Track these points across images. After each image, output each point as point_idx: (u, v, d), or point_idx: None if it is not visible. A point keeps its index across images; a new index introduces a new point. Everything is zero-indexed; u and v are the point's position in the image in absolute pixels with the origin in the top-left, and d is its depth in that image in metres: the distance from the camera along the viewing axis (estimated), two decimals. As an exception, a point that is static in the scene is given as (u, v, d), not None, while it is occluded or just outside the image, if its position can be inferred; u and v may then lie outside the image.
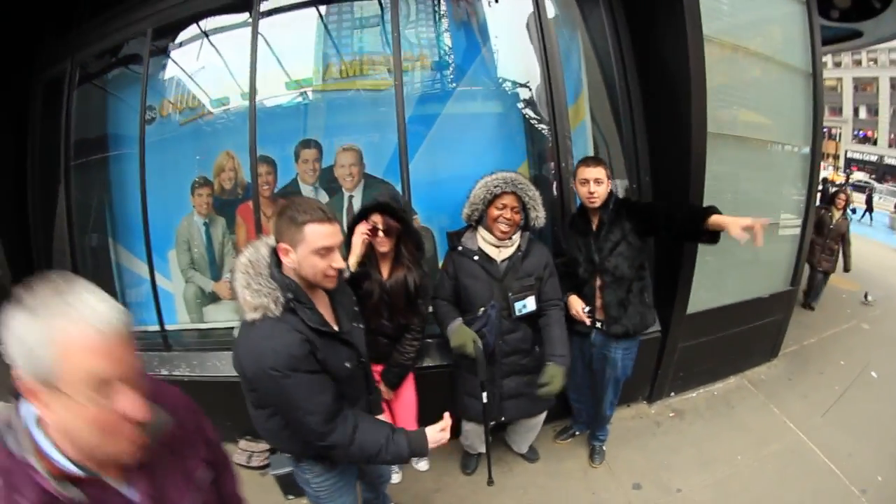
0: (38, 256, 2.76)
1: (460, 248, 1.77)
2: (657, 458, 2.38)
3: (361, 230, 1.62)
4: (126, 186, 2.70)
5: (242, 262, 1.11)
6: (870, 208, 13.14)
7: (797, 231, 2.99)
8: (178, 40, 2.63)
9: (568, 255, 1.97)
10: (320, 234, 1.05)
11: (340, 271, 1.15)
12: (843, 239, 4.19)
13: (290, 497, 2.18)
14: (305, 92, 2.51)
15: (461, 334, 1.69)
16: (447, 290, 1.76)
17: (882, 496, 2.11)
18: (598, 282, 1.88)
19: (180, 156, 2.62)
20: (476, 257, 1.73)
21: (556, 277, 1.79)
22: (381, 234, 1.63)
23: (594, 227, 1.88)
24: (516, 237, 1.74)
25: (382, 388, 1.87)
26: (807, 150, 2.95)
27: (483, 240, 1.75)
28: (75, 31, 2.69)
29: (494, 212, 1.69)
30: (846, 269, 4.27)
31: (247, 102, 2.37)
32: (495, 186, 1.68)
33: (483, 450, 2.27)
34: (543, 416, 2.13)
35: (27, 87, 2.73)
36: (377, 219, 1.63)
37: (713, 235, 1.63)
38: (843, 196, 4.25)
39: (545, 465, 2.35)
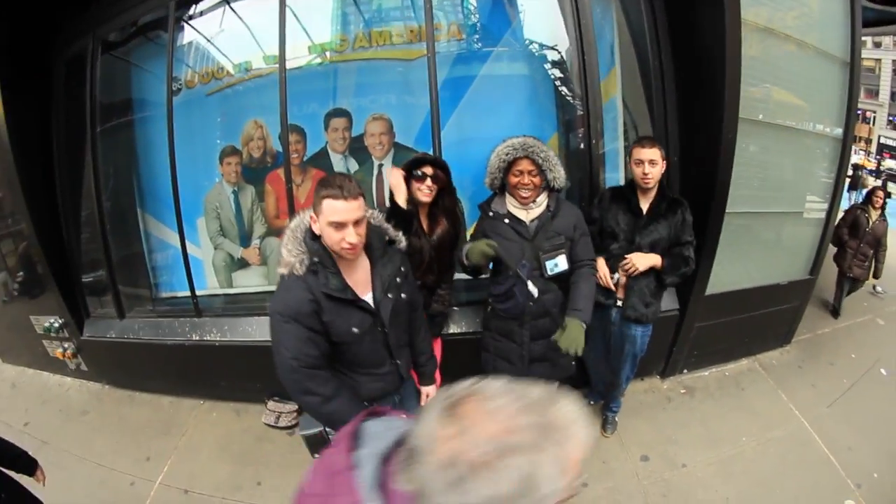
0: (68, 228, 2.83)
1: (491, 213, 1.81)
2: (666, 433, 2.47)
3: (399, 174, 1.67)
4: (153, 157, 2.74)
5: (291, 225, 1.30)
6: (853, 186, 12.60)
7: (822, 215, 2.94)
8: (199, 9, 2.59)
9: (601, 226, 1.97)
10: (332, 209, 1.16)
11: (391, 242, 1.36)
12: (879, 244, 3.79)
13: (317, 456, 2.31)
14: (336, 60, 2.46)
15: (473, 245, 1.67)
16: None
17: (876, 492, 2.15)
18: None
19: (207, 125, 2.64)
20: (507, 220, 1.76)
21: (589, 238, 1.80)
22: (429, 181, 1.69)
23: (645, 210, 1.89)
24: (542, 198, 1.75)
25: None
26: (839, 132, 2.85)
27: (510, 204, 1.78)
28: (95, 7, 2.65)
29: (513, 178, 1.71)
30: (876, 275, 3.92)
31: (273, 68, 2.36)
32: (506, 154, 1.69)
33: None
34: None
35: (49, 67, 2.73)
36: (428, 169, 1.69)
37: None
38: (880, 194, 3.81)
39: (559, 432, 2.46)
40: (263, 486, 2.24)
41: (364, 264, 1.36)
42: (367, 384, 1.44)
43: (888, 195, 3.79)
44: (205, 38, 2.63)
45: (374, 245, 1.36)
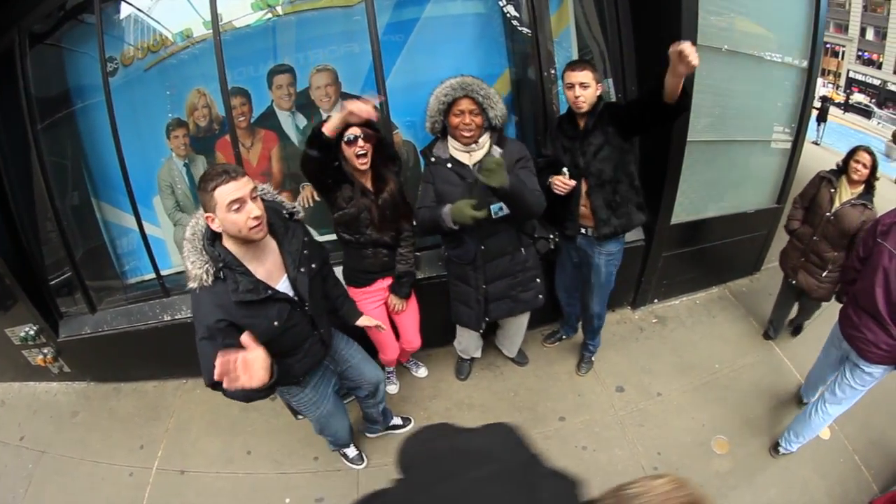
0: (25, 233, 2.66)
1: (433, 158, 1.75)
2: (639, 363, 2.52)
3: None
4: (99, 142, 2.57)
5: (187, 235, 1.24)
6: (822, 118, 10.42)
7: (788, 145, 2.89)
8: None
9: (553, 158, 1.91)
10: (227, 191, 1.12)
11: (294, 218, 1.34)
12: (851, 243, 2.10)
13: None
14: (274, 14, 2.29)
15: (457, 207, 1.58)
16: (430, 197, 1.73)
17: (847, 417, 2.09)
18: (584, 186, 1.85)
19: (150, 100, 2.46)
20: (449, 165, 1.70)
21: (530, 169, 1.73)
22: (360, 141, 1.60)
23: (580, 130, 1.81)
24: (484, 139, 1.69)
25: (394, 300, 1.95)
26: (804, 63, 2.76)
27: (452, 147, 1.71)
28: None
29: (454, 119, 1.65)
30: (839, 299, 2.19)
31: (209, 34, 2.20)
32: (445, 95, 1.63)
33: (477, 354, 2.38)
34: (527, 317, 2.20)
35: None
36: (354, 130, 1.59)
37: (681, 99, 1.54)
38: (864, 159, 2.07)
39: (534, 368, 2.49)
40: (254, 454, 2.28)
41: (272, 248, 1.32)
42: (295, 365, 1.44)
43: (875, 167, 2.08)
44: (136, 9, 2.42)
45: (276, 224, 1.33)
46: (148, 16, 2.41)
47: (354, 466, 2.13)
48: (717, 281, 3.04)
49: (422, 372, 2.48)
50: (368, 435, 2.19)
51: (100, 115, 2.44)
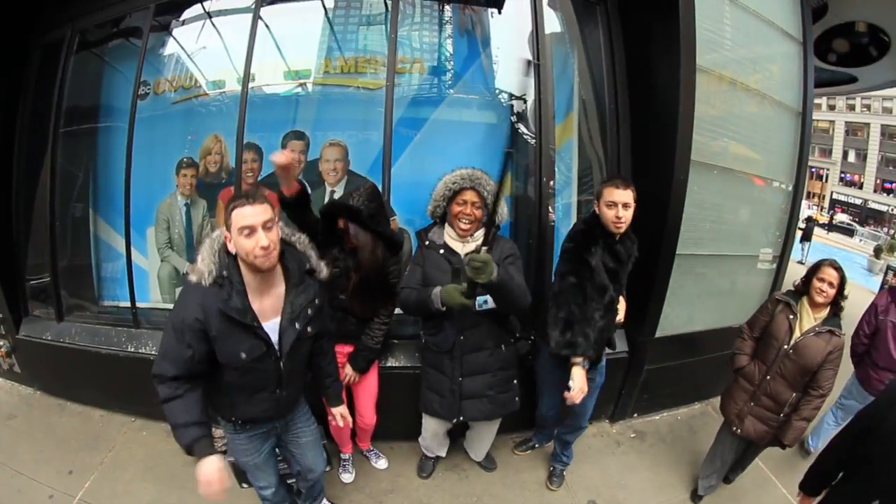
0: (18, 223, 2.67)
1: (427, 242, 1.75)
2: (615, 478, 2.35)
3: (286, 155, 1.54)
4: (112, 159, 2.64)
5: (213, 235, 1.27)
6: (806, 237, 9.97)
7: (774, 262, 2.97)
8: (180, 18, 2.58)
9: (589, 279, 1.63)
10: (241, 215, 1.16)
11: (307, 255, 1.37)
12: (812, 382, 1.78)
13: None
14: (302, 84, 2.47)
15: (448, 290, 1.53)
16: (416, 279, 1.71)
17: None
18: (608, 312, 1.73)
19: (169, 134, 2.57)
20: (441, 250, 1.71)
21: (518, 266, 1.69)
22: (351, 231, 1.66)
23: (622, 258, 1.68)
24: (479, 234, 1.70)
25: (348, 371, 1.87)
26: (791, 186, 2.94)
27: (448, 235, 1.73)
28: None
29: (455, 208, 1.68)
30: (785, 441, 1.87)
31: (240, 87, 2.32)
32: (453, 183, 1.67)
33: (441, 454, 2.22)
34: (498, 423, 2.09)
35: (25, 50, 2.64)
36: (341, 223, 1.67)
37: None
38: (830, 276, 1.77)
39: (502, 474, 2.31)
40: None
41: (278, 290, 1.31)
42: (241, 405, 1.39)
43: (843, 285, 1.78)
44: (179, 46, 2.60)
45: (292, 270, 1.32)
46: (189, 56, 2.58)
47: None
48: (699, 397, 2.95)
49: (381, 463, 2.30)
50: None
51: (120, 133, 2.53)
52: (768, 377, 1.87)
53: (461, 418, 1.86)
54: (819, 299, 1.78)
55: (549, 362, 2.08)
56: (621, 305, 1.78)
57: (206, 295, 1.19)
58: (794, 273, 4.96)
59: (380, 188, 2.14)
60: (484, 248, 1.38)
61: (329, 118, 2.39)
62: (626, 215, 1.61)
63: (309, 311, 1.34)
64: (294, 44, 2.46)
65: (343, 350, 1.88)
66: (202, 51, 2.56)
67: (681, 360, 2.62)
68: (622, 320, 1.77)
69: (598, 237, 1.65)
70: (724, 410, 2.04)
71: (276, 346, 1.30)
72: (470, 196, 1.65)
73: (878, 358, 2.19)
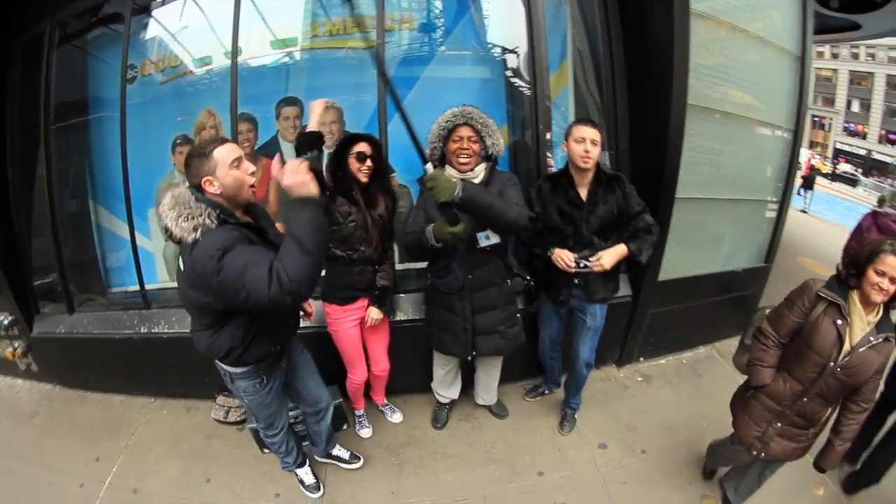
0: (19, 221, 2.68)
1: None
2: (623, 420, 2.43)
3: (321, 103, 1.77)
4: (106, 148, 2.63)
5: (166, 203, 1.22)
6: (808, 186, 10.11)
7: (775, 204, 2.98)
8: None
9: (545, 222, 1.86)
10: (226, 151, 1.24)
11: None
12: (859, 393, 1.41)
13: (266, 451, 2.22)
14: (290, 52, 2.42)
15: (437, 225, 1.56)
16: (420, 223, 1.73)
17: (841, 475, 2.11)
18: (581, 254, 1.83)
19: (161, 115, 2.54)
20: None
21: (518, 190, 1.73)
22: (369, 161, 1.71)
23: (584, 197, 1.80)
24: (479, 169, 1.72)
25: (376, 314, 1.93)
26: (790, 132, 2.91)
27: (449, 174, 1.72)
28: None
29: (452, 145, 1.70)
30: (825, 463, 1.56)
31: (229, 61, 2.31)
32: (447, 121, 1.70)
33: (454, 395, 2.31)
34: (501, 360, 2.18)
35: (5, 51, 2.60)
36: (366, 148, 1.70)
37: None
38: (888, 271, 1.27)
39: (514, 421, 2.40)
40: (213, 482, 2.15)
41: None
42: (274, 329, 1.46)
43: None
44: (162, 26, 2.54)
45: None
46: (173, 35, 2.52)
47: (311, 495, 2.03)
48: (704, 341, 3.00)
49: (396, 417, 2.39)
50: (315, 455, 2.13)
51: (111, 121, 2.51)
52: (805, 399, 1.43)
53: (475, 354, 1.93)
54: (877, 298, 1.30)
55: (548, 311, 2.15)
56: (607, 253, 1.78)
57: (222, 230, 1.19)
58: (798, 221, 4.96)
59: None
60: (431, 168, 1.45)
61: (320, 84, 2.36)
62: (594, 151, 1.71)
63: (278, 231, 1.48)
64: (279, 12, 2.40)
65: (363, 303, 1.93)
66: (185, 29, 2.50)
67: (684, 304, 2.67)
68: (604, 267, 1.77)
69: (562, 184, 1.82)
70: (740, 430, 1.62)
71: None
72: (465, 132, 1.67)
73: None
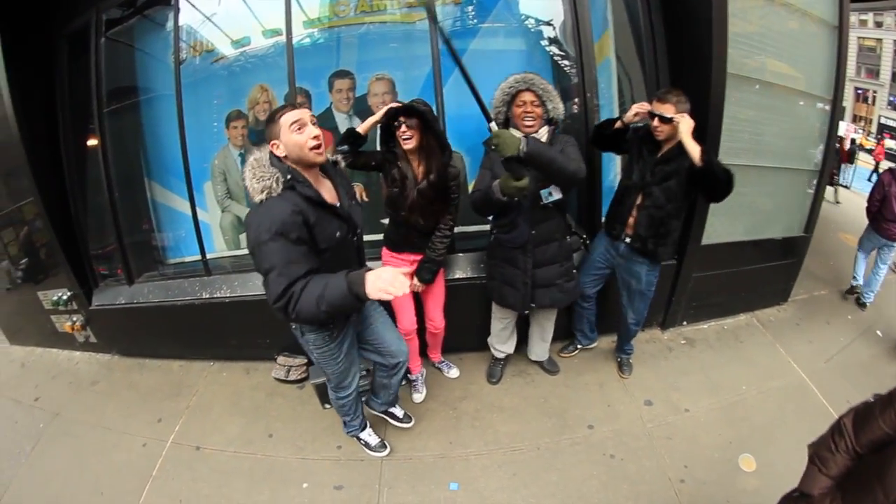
0: (74, 200, 2.97)
1: (493, 146, 2.00)
2: (668, 380, 2.65)
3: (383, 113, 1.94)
4: (160, 127, 2.91)
5: (250, 161, 1.41)
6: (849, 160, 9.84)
7: (815, 175, 3.16)
8: None
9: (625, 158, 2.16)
10: (290, 116, 1.36)
11: (341, 154, 1.65)
12: None
13: (327, 406, 2.45)
14: (336, 24, 2.63)
15: (504, 180, 1.71)
16: (486, 182, 1.95)
17: None
18: (639, 199, 2.10)
19: (212, 92, 2.79)
20: None
21: (576, 147, 1.94)
22: (403, 126, 1.87)
23: (661, 152, 2.04)
24: (543, 131, 1.94)
25: (415, 282, 2.14)
26: (828, 103, 3.07)
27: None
28: None
29: (517, 109, 1.91)
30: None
31: (271, 41, 2.60)
32: (510, 87, 1.91)
33: (510, 350, 2.54)
34: (554, 316, 2.41)
35: (51, 42, 2.86)
36: (403, 117, 1.88)
37: (704, 165, 1.86)
38: None
39: (564, 377, 2.64)
40: (275, 437, 2.39)
41: (326, 183, 1.56)
42: None
43: None
44: (204, 15, 2.76)
45: (327, 165, 1.57)
46: (211, 21, 2.76)
47: (376, 454, 2.22)
48: (745, 308, 3.20)
49: (453, 373, 2.63)
50: (369, 408, 2.25)
51: (163, 100, 2.77)
52: None
53: (533, 306, 2.17)
54: None
55: (593, 256, 2.39)
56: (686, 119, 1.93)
57: (286, 199, 1.33)
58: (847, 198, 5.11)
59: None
60: (495, 126, 1.60)
61: (369, 58, 2.58)
62: (664, 128, 1.93)
63: (353, 189, 1.66)
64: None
65: (412, 258, 2.16)
66: (230, 10, 2.72)
67: (726, 269, 2.86)
68: (677, 124, 1.94)
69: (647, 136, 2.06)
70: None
71: (354, 222, 1.57)
72: (528, 97, 1.88)
73: (887, 213, 3.35)
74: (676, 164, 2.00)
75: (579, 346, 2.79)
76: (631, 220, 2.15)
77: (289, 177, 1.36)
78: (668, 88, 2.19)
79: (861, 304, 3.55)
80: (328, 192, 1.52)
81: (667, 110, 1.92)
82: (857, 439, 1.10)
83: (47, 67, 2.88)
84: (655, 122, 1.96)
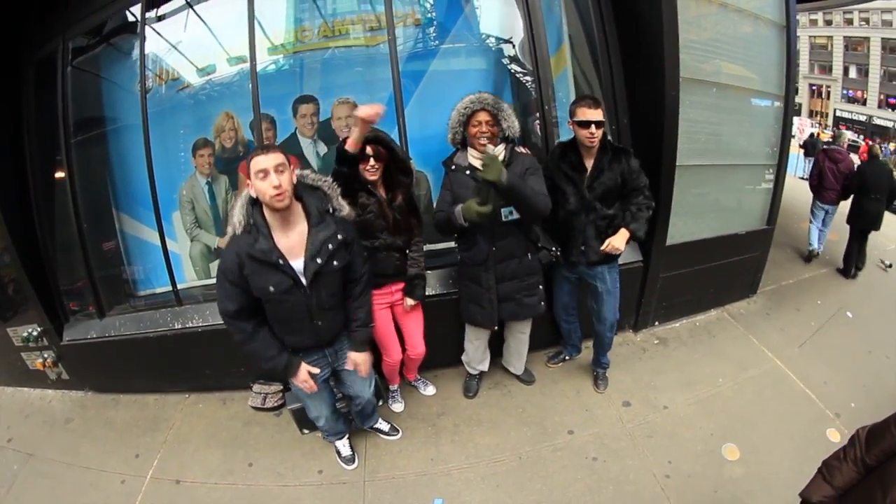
0: (43, 233, 2.87)
1: (453, 166, 2.02)
2: (644, 380, 2.69)
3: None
4: (126, 158, 2.85)
5: (243, 194, 1.55)
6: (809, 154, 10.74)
7: (773, 167, 3.24)
8: (162, 12, 2.73)
9: (551, 180, 2.11)
10: (257, 161, 1.42)
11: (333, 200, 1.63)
12: None
13: (306, 431, 2.43)
14: (298, 50, 2.65)
15: (466, 205, 1.81)
16: (447, 202, 1.98)
17: (856, 420, 2.29)
18: (584, 217, 2.11)
19: (178, 121, 2.77)
20: (468, 171, 1.98)
21: (538, 176, 1.96)
22: (372, 160, 1.87)
23: (588, 167, 2.06)
24: (499, 149, 1.96)
25: (409, 302, 2.16)
26: (780, 101, 3.18)
27: (471, 156, 2.00)
28: (63, 9, 2.73)
29: (472, 129, 1.94)
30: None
31: (236, 68, 2.59)
32: (465, 108, 1.94)
33: (484, 368, 2.54)
34: (528, 328, 2.41)
35: (18, 70, 2.79)
36: (369, 149, 1.86)
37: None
38: None
39: (541, 386, 2.65)
40: (255, 466, 2.35)
41: (301, 229, 1.55)
42: (286, 336, 1.70)
43: None
44: (169, 43, 2.75)
45: (311, 209, 1.55)
46: (177, 49, 2.74)
47: (346, 466, 2.25)
48: (715, 303, 3.27)
49: (429, 390, 2.63)
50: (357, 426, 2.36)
51: (130, 131, 2.72)
52: None
53: (498, 319, 2.18)
54: None
55: (559, 277, 2.41)
56: (614, 239, 2.06)
57: (238, 242, 1.50)
58: (797, 187, 5.32)
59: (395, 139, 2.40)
60: (491, 148, 1.67)
61: (331, 83, 2.61)
62: (599, 133, 1.95)
63: (329, 246, 1.55)
64: (284, 16, 2.65)
65: (392, 288, 2.15)
66: (195, 38, 2.71)
67: (693, 267, 2.94)
68: (619, 249, 2.08)
69: (568, 153, 2.10)
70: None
71: (303, 280, 1.55)
72: (483, 116, 1.92)
73: (826, 183, 4.22)
74: (612, 173, 2.05)
75: (567, 358, 2.81)
76: (582, 245, 2.16)
77: (251, 221, 1.49)
78: (585, 95, 2.27)
79: (815, 256, 4.35)
80: (296, 241, 1.53)
81: (600, 115, 1.94)
82: (867, 449, 1.13)
83: (15, 97, 2.80)
84: (592, 129, 1.94)
